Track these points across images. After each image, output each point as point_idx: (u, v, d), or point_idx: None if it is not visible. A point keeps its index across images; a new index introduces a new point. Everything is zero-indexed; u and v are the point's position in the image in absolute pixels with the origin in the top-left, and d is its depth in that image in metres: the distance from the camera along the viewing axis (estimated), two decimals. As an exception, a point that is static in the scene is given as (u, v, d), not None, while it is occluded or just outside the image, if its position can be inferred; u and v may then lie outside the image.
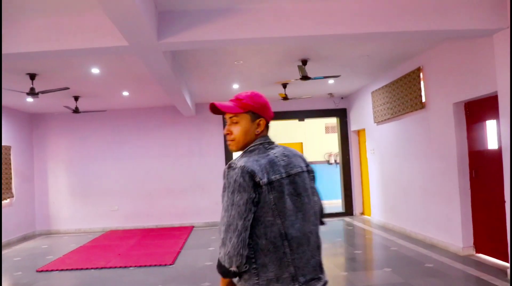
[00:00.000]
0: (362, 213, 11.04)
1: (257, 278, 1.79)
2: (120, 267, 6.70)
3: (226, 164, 2.03)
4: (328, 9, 4.77)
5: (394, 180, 8.58)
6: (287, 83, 8.48)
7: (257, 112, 1.94)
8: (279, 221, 1.79)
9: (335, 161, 14.22)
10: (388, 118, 8.49)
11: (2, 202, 9.31)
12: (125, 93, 8.99)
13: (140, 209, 10.91)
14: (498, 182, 5.37)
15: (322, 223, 2.09)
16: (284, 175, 1.85)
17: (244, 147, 1.93)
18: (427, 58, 6.95)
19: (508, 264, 5.25)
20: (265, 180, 1.78)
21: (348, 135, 11.28)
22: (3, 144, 9.48)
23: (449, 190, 6.50)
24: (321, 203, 2.10)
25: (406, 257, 6.41)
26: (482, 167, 6.04)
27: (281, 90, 8.98)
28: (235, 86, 8.82)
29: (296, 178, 1.90)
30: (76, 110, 8.96)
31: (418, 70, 7.17)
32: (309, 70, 7.24)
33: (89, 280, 6.19)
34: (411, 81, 7.46)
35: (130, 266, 6.70)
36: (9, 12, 4.51)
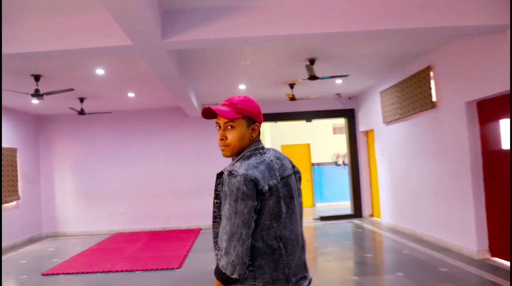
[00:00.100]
0: (371, 215, 10.87)
1: (253, 280, 1.81)
2: (126, 270, 6.60)
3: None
4: (337, 6, 4.65)
5: (404, 181, 8.41)
6: (295, 83, 8.35)
7: (252, 117, 1.93)
8: (275, 224, 1.82)
9: (343, 162, 14.07)
10: (398, 118, 8.34)
11: (8, 204, 9.27)
12: (131, 95, 8.90)
13: (146, 212, 10.83)
14: (513, 183, 5.21)
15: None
16: (279, 178, 1.88)
17: (238, 152, 1.91)
18: (437, 56, 6.79)
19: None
20: (266, 187, 1.79)
21: (356, 136, 11.13)
22: (9, 146, 9.44)
23: (462, 192, 6.34)
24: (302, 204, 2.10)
25: (419, 261, 6.25)
26: (496, 168, 5.87)
27: (288, 90, 8.86)
28: (242, 86, 8.70)
29: (288, 180, 1.94)
30: (81, 112, 8.89)
31: (428, 68, 7.01)
32: (317, 69, 7.12)
33: (94, 284, 6.09)
34: (421, 80, 7.30)
35: (137, 270, 6.59)
36: (12, 12, 4.44)
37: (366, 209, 10.97)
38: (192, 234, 9.80)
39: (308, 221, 11.00)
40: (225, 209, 1.77)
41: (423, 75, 7.18)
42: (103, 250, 8.47)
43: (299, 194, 2.04)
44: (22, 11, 4.43)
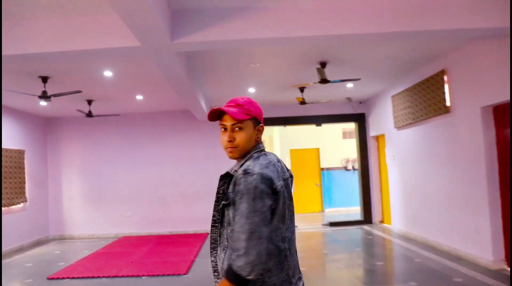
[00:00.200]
0: (382, 221, 10.70)
1: (261, 284, 1.78)
2: (132, 276, 6.49)
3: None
4: (349, 7, 4.52)
5: (416, 188, 8.24)
6: (305, 87, 8.24)
7: (258, 118, 1.94)
8: (281, 225, 1.83)
9: (353, 167, 13.91)
10: (410, 123, 8.18)
11: (15, 206, 9.22)
12: (139, 97, 8.83)
13: (153, 215, 10.73)
14: (531, 191, 5.03)
15: None
16: (283, 181, 1.90)
17: (245, 153, 1.91)
18: (452, 60, 6.64)
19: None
20: (279, 187, 1.82)
21: (367, 141, 10.97)
22: (17, 148, 9.41)
23: (477, 199, 6.16)
24: None
25: (432, 270, 6.08)
26: (513, 175, 5.70)
27: (298, 94, 8.73)
28: (251, 90, 8.59)
29: (288, 183, 1.96)
30: (89, 114, 8.82)
31: (442, 72, 6.85)
32: (328, 73, 6.98)
33: (100, 289, 6.00)
34: (434, 85, 7.14)
35: (143, 275, 6.49)
36: (19, 12, 4.37)
37: (376, 215, 10.79)
38: (199, 238, 9.68)
39: (317, 227, 10.84)
40: (242, 208, 1.73)
41: (437, 79, 7.02)
42: (109, 254, 8.37)
43: (292, 197, 2.04)
44: (29, 12, 4.36)
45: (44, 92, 6.69)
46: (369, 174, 10.90)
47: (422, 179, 7.94)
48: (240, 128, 1.88)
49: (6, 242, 8.75)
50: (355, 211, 12.77)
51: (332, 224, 10.92)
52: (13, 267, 7.52)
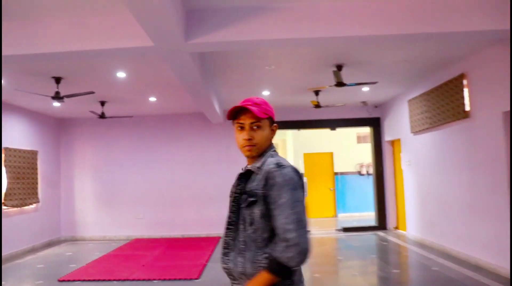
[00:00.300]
0: (396, 228, 10.50)
1: (290, 282, 1.80)
2: (143, 279, 6.40)
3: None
4: (368, 8, 4.39)
5: (433, 194, 8.05)
6: (320, 90, 8.11)
7: (273, 118, 1.97)
8: None
9: (367, 172, 13.73)
10: (427, 128, 8.00)
11: (28, 207, 9.22)
12: (152, 99, 8.78)
13: (165, 218, 10.67)
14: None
15: None
16: None
17: (261, 152, 1.92)
18: (472, 64, 6.47)
19: None
20: (302, 182, 1.86)
21: (382, 145, 10.79)
22: (30, 148, 9.42)
23: (497, 206, 5.96)
24: None
25: (451, 280, 5.89)
26: (536, 183, 5.51)
27: (313, 97, 8.61)
28: (265, 92, 8.48)
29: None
30: (102, 116, 8.79)
31: (462, 76, 6.68)
32: (344, 76, 6.84)
33: (110, 293, 5.92)
34: (453, 89, 6.97)
35: (154, 279, 6.39)
36: (31, 12, 4.33)
37: (390, 221, 10.60)
38: (211, 242, 9.58)
39: (330, 232, 10.68)
40: (284, 200, 1.75)
41: (456, 83, 6.85)
42: (120, 256, 8.31)
43: None
44: (42, 11, 4.31)
45: (57, 93, 6.65)
46: (384, 179, 10.72)
47: (440, 185, 7.75)
48: (258, 127, 1.88)
49: (18, 242, 8.76)
50: (368, 217, 12.60)
51: (346, 229, 10.75)
52: (24, 268, 7.49)
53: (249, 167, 1.91)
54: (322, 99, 8.75)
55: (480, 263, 6.46)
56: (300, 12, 4.35)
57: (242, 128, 1.90)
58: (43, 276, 6.84)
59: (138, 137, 10.87)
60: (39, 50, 4.43)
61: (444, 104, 7.28)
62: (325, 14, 4.37)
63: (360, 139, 14.10)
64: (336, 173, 13.93)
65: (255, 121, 1.88)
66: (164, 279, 6.38)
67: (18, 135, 9.01)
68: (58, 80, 6.68)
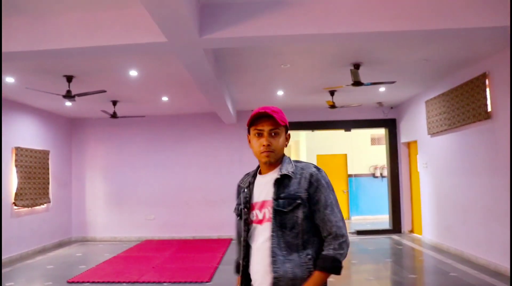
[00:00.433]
0: (411, 231, 10.28)
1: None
2: (153, 282, 6.27)
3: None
4: (387, 3, 4.22)
5: (451, 197, 7.83)
6: (335, 90, 7.94)
7: (288, 126, 2.02)
8: None
9: (381, 174, 13.51)
10: (445, 129, 7.78)
11: (39, 207, 9.16)
12: (165, 99, 8.67)
13: (176, 219, 10.55)
14: None
15: None
16: None
17: (277, 159, 1.96)
18: (494, 63, 6.25)
19: None
20: None
21: (398, 147, 10.57)
22: (42, 148, 9.37)
23: (520, 211, 5.75)
24: None
25: (470, 286, 5.70)
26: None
27: (328, 97, 8.44)
28: (280, 92, 8.33)
29: None
30: (114, 115, 8.70)
31: (484, 76, 6.47)
32: (361, 75, 6.65)
33: (120, 295, 5.80)
34: (474, 89, 6.75)
35: (164, 282, 6.26)
36: (42, 8, 4.23)
37: (405, 225, 10.38)
38: (223, 244, 9.44)
39: (344, 235, 10.47)
40: (330, 200, 1.90)
41: (477, 83, 6.64)
42: (131, 258, 8.20)
43: None
44: (52, 6, 4.21)
45: (69, 92, 6.57)
46: (399, 182, 10.50)
47: (458, 188, 7.53)
48: (276, 134, 1.93)
49: (29, 242, 8.70)
50: (382, 220, 12.39)
51: (360, 232, 10.56)
52: (34, 269, 7.42)
53: (283, 172, 1.92)
54: (337, 99, 8.57)
55: (500, 268, 6.24)
56: (317, 7, 4.19)
57: (260, 134, 1.93)
58: (52, 277, 6.75)
59: (150, 137, 10.78)
60: (49, 46, 4.33)
61: (464, 105, 7.06)
62: (343, 9, 4.21)
63: (374, 141, 13.89)
64: (350, 175, 13.73)
65: (274, 128, 1.92)
66: (175, 282, 6.25)
67: (30, 135, 8.95)
68: (69, 78, 6.59)
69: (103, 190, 10.77)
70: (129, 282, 6.29)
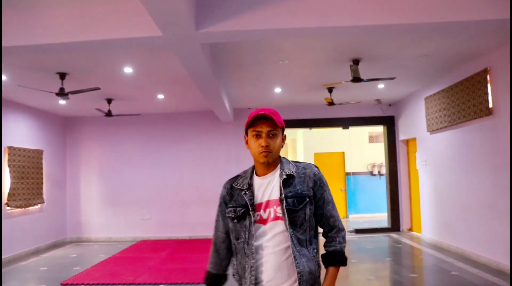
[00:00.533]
0: (410, 229, 10.19)
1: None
2: (149, 283, 6.12)
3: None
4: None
5: (451, 195, 7.73)
6: (334, 87, 7.82)
7: (284, 128, 2.07)
8: None
9: (379, 172, 13.42)
10: (445, 126, 7.68)
11: (33, 207, 9.00)
12: (160, 96, 8.52)
13: (173, 219, 10.42)
14: None
15: None
16: None
17: (275, 159, 2.02)
18: (496, 58, 6.15)
19: None
20: None
21: (396, 145, 10.47)
22: (35, 148, 9.20)
23: (523, 209, 5.65)
24: None
25: (472, 285, 5.58)
26: None
27: (326, 94, 8.32)
28: (277, 89, 8.21)
29: None
30: (109, 113, 8.55)
31: (485, 71, 6.36)
32: (360, 72, 6.53)
33: (115, 297, 5.66)
34: (475, 85, 6.65)
35: (160, 283, 6.12)
36: (33, 1, 4.07)
37: (404, 223, 10.29)
38: (220, 244, 9.30)
39: (342, 234, 10.37)
40: (330, 197, 2.06)
41: (478, 79, 6.53)
42: (126, 258, 8.06)
43: None
44: (45, 0, 4.05)
45: (62, 89, 6.42)
46: (397, 180, 10.41)
47: (458, 185, 7.43)
48: (274, 135, 1.98)
49: (22, 244, 8.53)
50: (380, 218, 12.32)
51: (358, 231, 10.46)
52: (27, 271, 7.26)
53: (288, 172, 1.99)
54: (335, 96, 8.46)
55: (502, 267, 6.15)
56: (317, 0, 4.05)
57: (258, 135, 1.97)
58: (46, 280, 6.60)
59: (145, 136, 10.64)
60: (40, 41, 4.18)
61: (465, 101, 6.96)
62: (343, 2, 4.08)
63: (372, 139, 13.81)
64: (347, 174, 13.63)
65: (272, 130, 1.97)
66: (171, 283, 6.12)
67: (23, 134, 8.78)
68: (63, 76, 6.44)
69: (98, 190, 10.61)
70: (124, 283, 6.15)
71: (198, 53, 4.56)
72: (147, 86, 7.59)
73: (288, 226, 1.92)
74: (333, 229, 2.02)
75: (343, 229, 2.05)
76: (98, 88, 6.56)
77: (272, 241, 1.94)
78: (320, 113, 10.24)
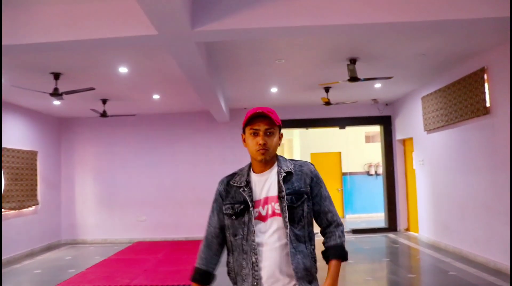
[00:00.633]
0: (407, 229, 10.16)
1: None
2: None
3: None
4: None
5: (448, 194, 7.70)
6: (330, 87, 7.78)
7: (281, 126, 2.09)
8: None
9: (375, 172, 13.39)
10: (442, 126, 7.65)
11: (27, 209, 8.90)
12: (156, 97, 8.45)
13: (169, 220, 10.34)
14: None
15: None
16: None
17: (272, 157, 2.04)
18: (493, 57, 6.12)
19: None
20: None
21: (393, 145, 10.44)
22: (29, 149, 9.10)
23: (521, 208, 5.62)
24: None
25: (471, 285, 5.54)
26: None
27: (323, 94, 8.28)
28: (274, 89, 8.15)
29: None
30: (104, 114, 8.47)
31: (482, 71, 6.33)
32: (357, 71, 6.49)
33: (111, 300, 5.59)
34: (472, 84, 6.62)
35: (157, 285, 6.06)
36: (25, -2, 4.00)
37: (401, 223, 10.26)
38: (216, 245, 9.24)
39: (339, 234, 10.32)
40: (327, 193, 2.09)
41: (475, 78, 6.50)
42: (122, 260, 7.98)
43: None
44: (37, -3, 3.99)
45: (56, 89, 6.34)
46: (394, 180, 10.38)
47: (456, 185, 7.40)
48: (272, 133, 2.00)
49: (16, 246, 8.43)
50: (377, 218, 12.28)
51: (355, 231, 10.43)
52: (21, 274, 7.17)
53: (286, 169, 2.02)
54: (332, 96, 8.42)
55: (500, 266, 6.12)
56: (315, -3, 4.01)
57: (255, 134, 1.99)
58: (39, 283, 6.53)
59: (141, 136, 10.56)
60: (32, 40, 4.10)
61: (462, 100, 6.93)
62: (340, 0, 4.03)
63: (368, 139, 13.78)
64: (344, 173, 13.60)
65: (269, 128, 1.99)
66: (168, 285, 6.05)
67: (17, 135, 8.69)
68: (57, 76, 6.37)
69: (93, 191, 10.53)
70: (120, 286, 6.09)
71: (193, 52, 4.50)
72: (143, 86, 7.52)
73: (286, 223, 1.94)
74: (332, 224, 2.04)
75: (342, 224, 2.07)
76: (92, 88, 6.49)
77: (272, 237, 1.95)
78: (316, 113, 10.21)
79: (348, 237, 9.77)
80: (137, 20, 3.91)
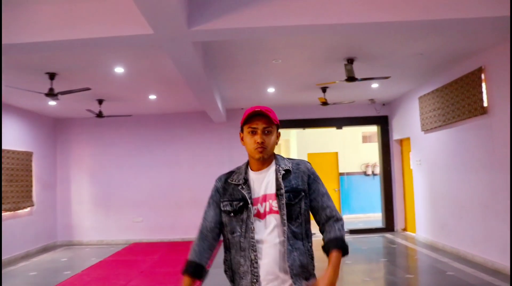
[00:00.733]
0: (404, 229, 10.15)
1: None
2: (142, 287, 6.03)
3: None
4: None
5: (446, 194, 7.69)
6: (327, 87, 7.75)
7: (279, 125, 2.11)
8: None
9: (372, 172, 13.38)
10: (439, 126, 7.64)
11: (22, 210, 8.83)
12: (152, 97, 8.40)
13: (165, 221, 10.29)
14: None
15: None
16: None
17: (270, 155, 2.06)
18: (490, 57, 6.11)
19: None
20: None
21: (390, 145, 10.43)
22: (25, 150, 9.04)
23: (519, 208, 5.60)
24: None
25: (469, 285, 5.53)
26: None
27: (320, 94, 8.25)
28: (270, 89, 8.12)
29: None
30: (100, 115, 8.42)
31: (480, 70, 6.32)
32: (355, 71, 6.46)
33: (107, 302, 5.54)
34: (469, 84, 6.61)
35: (153, 287, 6.03)
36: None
37: (398, 223, 10.25)
38: (213, 246, 9.20)
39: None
40: (325, 189, 2.10)
41: (473, 78, 6.49)
42: (118, 262, 7.93)
43: None
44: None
45: (51, 90, 6.28)
46: (391, 180, 10.36)
47: (453, 185, 7.39)
48: (269, 132, 2.02)
49: (12, 248, 8.35)
50: (374, 218, 12.27)
51: (352, 231, 10.41)
52: (16, 276, 7.10)
53: (285, 167, 2.05)
54: (329, 96, 8.39)
55: (497, 266, 6.10)
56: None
57: (254, 132, 2.01)
58: (35, 285, 6.48)
59: (137, 137, 10.50)
60: (26, 39, 4.05)
61: (459, 100, 6.92)
62: (338, -1, 4.00)
63: (365, 139, 13.77)
64: (341, 174, 13.57)
65: (267, 127, 2.01)
66: (165, 287, 6.02)
67: (11, 136, 8.61)
68: (52, 76, 6.31)
69: (89, 192, 10.46)
70: (116, 288, 6.04)
71: (190, 51, 4.46)
72: (139, 86, 7.47)
73: (284, 220, 1.96)
74: (331, 219, 2.04)
75: (341, 219, 2.06)
76: (88, 89, 6.44)
77: (271, 235, 1.96)
78: (313, 113, 10.18)
79: (346, 237, 9.75)
80: (133, 19, 3.87)
